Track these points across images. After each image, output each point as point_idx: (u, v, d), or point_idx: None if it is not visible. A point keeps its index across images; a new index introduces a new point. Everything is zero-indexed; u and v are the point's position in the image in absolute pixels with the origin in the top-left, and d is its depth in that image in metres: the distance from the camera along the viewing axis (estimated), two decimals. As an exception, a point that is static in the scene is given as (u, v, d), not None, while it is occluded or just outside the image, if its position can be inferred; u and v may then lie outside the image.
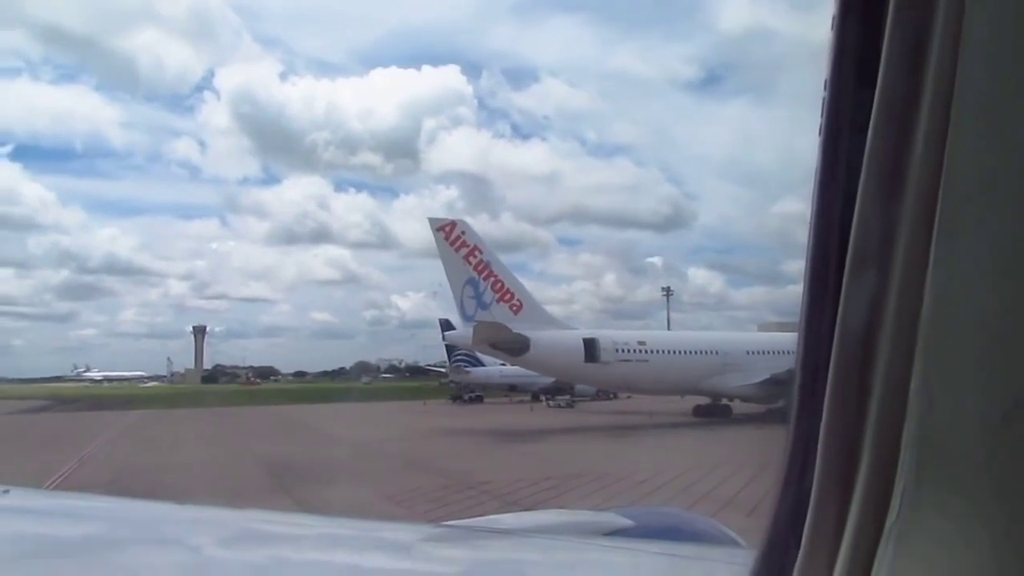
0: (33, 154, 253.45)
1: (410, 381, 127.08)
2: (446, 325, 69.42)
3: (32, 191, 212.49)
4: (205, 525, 2.81)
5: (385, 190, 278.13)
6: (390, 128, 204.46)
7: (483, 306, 41.31)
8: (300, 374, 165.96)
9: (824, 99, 1.03)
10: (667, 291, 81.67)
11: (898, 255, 0.93)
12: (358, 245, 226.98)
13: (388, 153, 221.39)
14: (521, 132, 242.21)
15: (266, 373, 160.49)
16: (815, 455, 1.01)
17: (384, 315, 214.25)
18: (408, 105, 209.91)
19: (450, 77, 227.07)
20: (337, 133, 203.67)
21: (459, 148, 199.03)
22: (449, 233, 41.73)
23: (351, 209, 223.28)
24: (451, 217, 44.29)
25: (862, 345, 0.96)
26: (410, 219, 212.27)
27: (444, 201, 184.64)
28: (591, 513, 3.21)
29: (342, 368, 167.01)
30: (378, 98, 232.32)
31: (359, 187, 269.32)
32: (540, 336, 40.92)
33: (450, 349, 70.90)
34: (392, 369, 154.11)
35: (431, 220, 43.26)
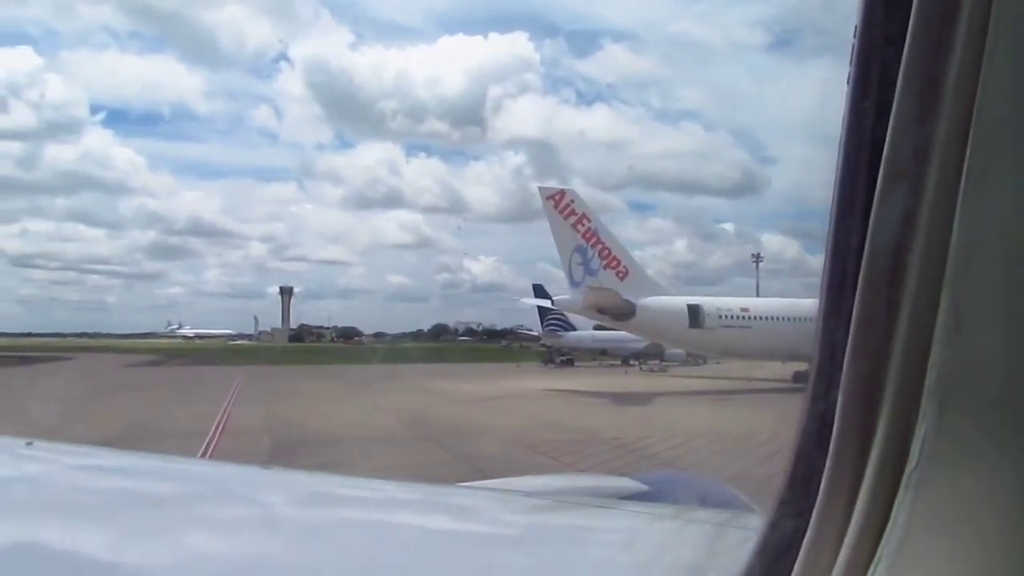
0: (123, 121, 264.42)
1: (487, 344, 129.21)
2: (539, 290, 71.07)
3: (123, 156, 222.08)
4: (224, 483, 2.86)
5: (455, 154, 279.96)
6: (456, 96, 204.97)
7: (590, 272, 42.64)
8: (380, 335, 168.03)
9: (859, 8, 0.98)
10: (757, 258, 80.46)
11: (931, 173, 0.89)
12: (430, 210, 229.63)
13: (455, 121, 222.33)
14: (586, 99, 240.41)
15: (349, 333, 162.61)
16: (837, 393, 0.97)
17: (456, 279, 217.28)
18: (474, 72, 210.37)
19: (517, 44, 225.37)
20: (405, 102, 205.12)
21: (525, 115, 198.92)
22: (558, 202, 42.97)
23: (422, 174, 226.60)
24: (559, 186, 45.54)
25: (891, 264, 0.92)
26: (480, 184, 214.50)
27: (512, 167, 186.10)
28: (605, 477, 3.28)
29: (420, 330, 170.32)
30: (445, 66, 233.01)
31: (429, 152, 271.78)
32: (646, 302, 42.21)
33: (543, 313, 72.52)
34: (469, 332, 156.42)
35: (541, 189, 44.61)
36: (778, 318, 44.63)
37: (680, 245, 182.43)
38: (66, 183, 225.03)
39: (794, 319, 44.48)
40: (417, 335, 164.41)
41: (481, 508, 2.53)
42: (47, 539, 1.95)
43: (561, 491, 2.76)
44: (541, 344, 79.93)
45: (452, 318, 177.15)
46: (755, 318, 44.03)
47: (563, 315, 68.43)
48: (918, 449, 0.89)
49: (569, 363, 74.04)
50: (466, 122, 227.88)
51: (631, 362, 67.95)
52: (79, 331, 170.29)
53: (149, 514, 2.22)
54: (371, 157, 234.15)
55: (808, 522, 1.00)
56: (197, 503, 2.45)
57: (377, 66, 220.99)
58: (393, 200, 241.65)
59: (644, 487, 2.74)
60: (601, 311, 43.26)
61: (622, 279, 42.85)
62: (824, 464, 0.99)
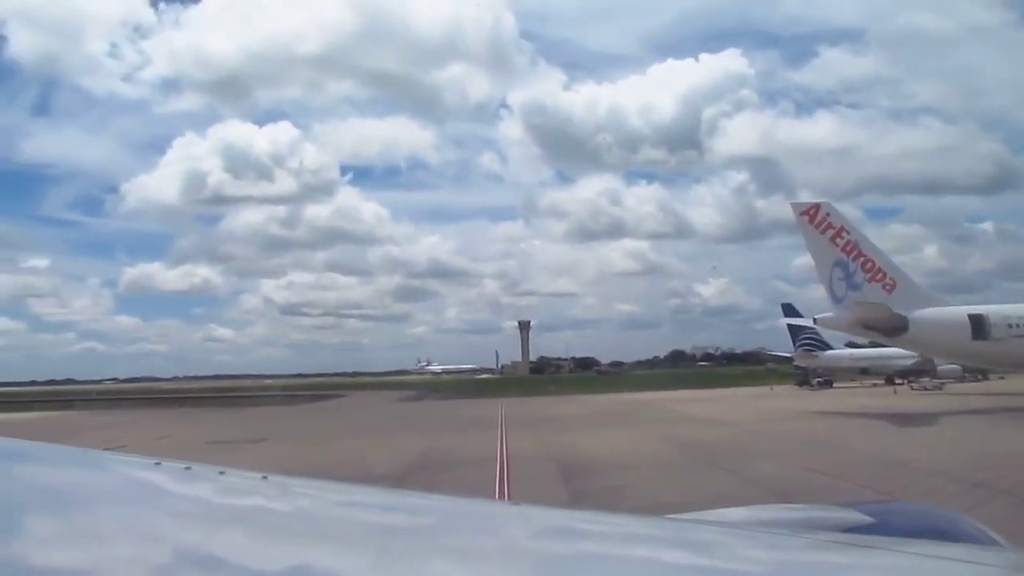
0: (368, 177, 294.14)
1: (727, 368, 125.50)
2: (788, 309, 68.64)
3: (369, 209, 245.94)
4: (464, 516, 2.79)
5: (676, 177, 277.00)
6: (671, 122, 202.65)
7: (853, 287, 40.64)
8: (616, 364, 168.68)
9: None
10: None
11: None
12: (654, 236, 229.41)
13: (671, 146, 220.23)
14: (805, 108, 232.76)
15: (587, 364, 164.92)
16: None
17: (687, 303, 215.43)
18: (687, 96, 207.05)
19: (729, 62, 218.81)
20: (619, 133, 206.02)
21: (743, 132, 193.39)
22: (813, 216, 41.56)
23: (643, 201, 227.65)
24: (815, 200, 43.90)
25: None
26: (703, 206, 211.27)
27: (734, 186, 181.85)
28: (826, 508, 3.07)
29: (656, 356, 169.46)
30: (657, 93, 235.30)
31: (649, 179, 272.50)
32: (920, 315, 39.47)
33: (795, 332, 69.72)
34: (707, 356, 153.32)
35: (794, 205, 43.39)
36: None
37: (930, 251, 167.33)
38: (323, 238, 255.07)
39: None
40: (653, 362, 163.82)
41: (714, 542, 2.38)
42: (305, 568, 1.95)
43: (777, 522, 2.65)
44: (795, 365, 76.06)
45: (685, 343, 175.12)
46: (1055, 325, 39.50)
47: (817, 333, 65.33)
48: None
49: (827, 384, 69.94)
50: (683, 146, 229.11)
51: (897, 380, 63.28)
52: (340, 371, 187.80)
53: (395, 544, 2.20)
54: (591, 190, 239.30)
55: None
56: (438, 535, 2.40)
57: (590, 102, 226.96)
58: (616, 229, 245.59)
59: (870, 519, 2.59)
60: (869, 327, 41.08)
61: (890, 292, 40.39)
62: None
